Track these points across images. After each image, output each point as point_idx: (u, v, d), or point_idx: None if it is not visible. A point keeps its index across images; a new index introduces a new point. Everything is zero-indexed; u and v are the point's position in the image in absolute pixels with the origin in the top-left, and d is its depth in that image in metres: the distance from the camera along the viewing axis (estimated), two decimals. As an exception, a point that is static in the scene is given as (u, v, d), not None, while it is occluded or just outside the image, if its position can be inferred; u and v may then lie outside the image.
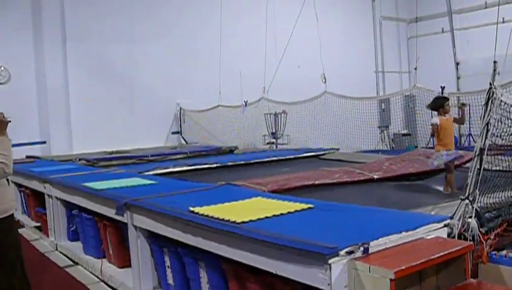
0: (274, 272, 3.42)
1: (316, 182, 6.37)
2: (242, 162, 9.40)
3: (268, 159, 9.74)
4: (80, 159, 11.01)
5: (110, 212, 5.70)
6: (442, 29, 19.89)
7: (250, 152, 11.50)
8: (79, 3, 14.23)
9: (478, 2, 18.43)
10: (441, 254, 3.13)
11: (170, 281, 4.92)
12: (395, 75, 21.32)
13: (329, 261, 2.96)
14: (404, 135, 20.98)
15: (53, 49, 13.95)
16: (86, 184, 6.61)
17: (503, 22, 18.25)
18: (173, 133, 16.00)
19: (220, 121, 15.09)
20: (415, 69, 13.15)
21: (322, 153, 10.57)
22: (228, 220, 3.96)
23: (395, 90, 20.58)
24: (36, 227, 8.66)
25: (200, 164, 8.97)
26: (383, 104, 20.52)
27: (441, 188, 6.55)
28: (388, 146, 21.18)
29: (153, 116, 15.31)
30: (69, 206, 7.37)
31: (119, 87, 15.01)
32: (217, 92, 14.90)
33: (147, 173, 8.03)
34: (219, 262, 4.16)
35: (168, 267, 4.90)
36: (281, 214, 4.15)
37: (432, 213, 4.42)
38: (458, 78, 19.59)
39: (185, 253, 4.55)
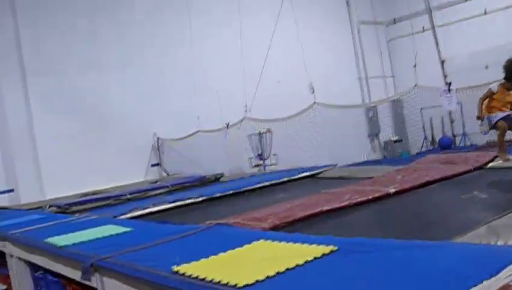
0: None
1: (325, 209, 5.29)
2: (230, 191, 8.27)
3: (259, 185, 8.62)
4: (50, 206, 9.92)
5: (76, 274, 4.59)
6: (423, 27, 19.10)
7: (238, 178, 10.40)
8: (37, 34, 13.10)
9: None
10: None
11: None
12: (379, 80, 20.46)
13: None
14: (395, 141, 20.16)
15: (12, 86, 12.77)
16: (49, 239, 5.50)
17: (485, 14, 17.60)
18: (153, 165, 14.87)
19: (201, 147, 14.02)
20: (414, 66, 12.23)
21: (318, 171, 9.50)
22: (226, 284, 2.88)
23: (380, 96, 19.81)
24: (5, 291, 7.47)
25: (182, 199, 7.82)
26: (370, 112, 19.70)
27: (477, 192, 5.46)
28: (380, 154, 20.36)
29: (129, 148, 14.16)
30: (33, 266, 6.23)
31: (90, 120, 13.87)
32: (195, 116, 13.85)
33: (122, 217, 6.91)
34: None
35: None
36: (297, 266, 3.06)
37: (495, 239, 3.31)
38: (445, 76, 18.76)
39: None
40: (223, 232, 4.55)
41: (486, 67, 16.55)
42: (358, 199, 5.56)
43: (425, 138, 19.52)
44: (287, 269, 3.00)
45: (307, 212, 5.16)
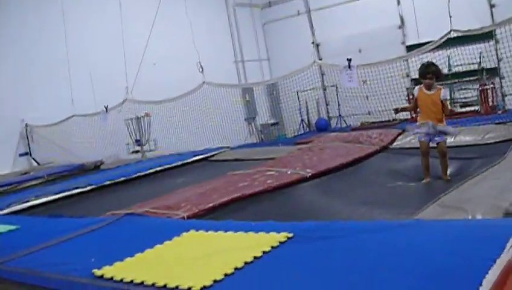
0: None
1: (246, 193, 4.81)
2: (122, 178, 7.51)
3: (151, 171, 7.95)
4: None
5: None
6: (298, 11, 19.14)
7: (124, 165, 9.60)
8: None
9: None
10: None
11: None
12: (255, 64, 20.27)
13: None
14: (272, 124, 20.16)
15: None
16: None
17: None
18: (21, 155, 13.44)
19: (77, 134, 12.91)
20: (314, 43, 11.95)
21: (211, 154, 9.01)
22: (176, 288, 2.34)
23: (256, 79, 19.64)
24: None
25: (69, 189, 6.93)
26: (247, 95, 19.49)
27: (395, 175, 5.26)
28: (257, 138, 20.27)
29: (-8, 138, 12.67)
30: None
31: None
32: (70, 101, 12.71)
33: (0, 213, 5.93)
34: None
35: None
36: (255, 258, 2.58)
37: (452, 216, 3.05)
38: (320, 59, 19.01)
39: None
40: (137, 224, 3.95)
41: (360, 51, 16.90)
42: (276, 183, 5.15)
43: (302, 120, 19.69)
44: (246, 263, 2.52)
45: (227, 198, 4.66)
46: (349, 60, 9.77)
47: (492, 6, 14.62)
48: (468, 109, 14.58)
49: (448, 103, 5.72)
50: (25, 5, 13.36)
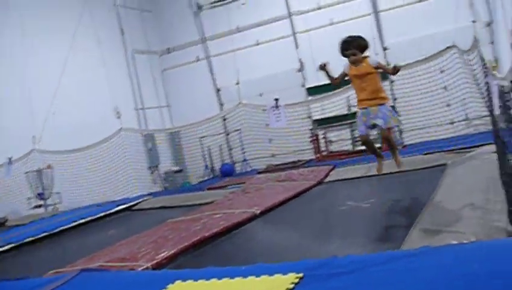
0: None
1: (206, 234, 4.62)
2: (43, 234, 6.97)
3: (75, 224, 7.46)
4: None
5: None
6: (197, 57, 19.23)
7: (40, 219, 8.94)
8: None
9: (224, 28, 18.12)
10: None
11: None
12: (156, 111, 19.99)
13: None
14: (175, 172, 19.86)
15: None
16: None
17: (258, 44, 18.37)
18: None
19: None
20: (237, 83, 11.87)
21: (134, 203, 8.65)
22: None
23: (157, 126, 19.41)
24: None
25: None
26: (149, 143, 19.15)
27: (351, 202, 5.26)
28: (161, 186, 19.86)
29: None
30: None
31: None
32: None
33: None
34: None
35: None
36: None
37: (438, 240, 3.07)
38: (221, 104, 19.16)
39: None
40: (102, 281, 3.61)
41: (261, 94, 17.20)
42: (229, 223, 5.00)
43: (206, 166, 19.57)
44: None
45: (187, 243, 4.43)
46: (277, 100, 9.84)
47: (385, 49, 15.52)
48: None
49: (384, 63, 5.32)
50: None
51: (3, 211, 12.06)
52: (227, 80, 18.90)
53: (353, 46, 5.09)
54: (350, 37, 5.29)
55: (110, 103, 12.48)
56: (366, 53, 5.25)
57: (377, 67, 5.09)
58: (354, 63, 5.11)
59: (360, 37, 5.21)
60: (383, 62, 4.93)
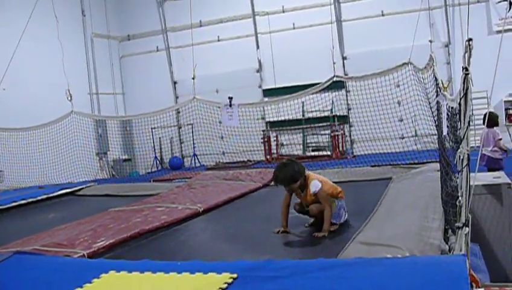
0: None
1: (146, 227, 4.57)
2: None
3: (14, 204, 7.25)
4: None
5: None
6: (157, 47, 19.05)
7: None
8: None
9: (187, 20, 18.08)
10: None
11: None
12: (110, 97, 19.68)
13: None
14: (125, 160, 19.60)
15: None
16: None
17: (218, 41, 18.31)
18: None
19: None
20: (193, 78, 11.68)
21: (78, 188, 8.49)
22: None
23: (109, 113, 19.11)
24: None
25: None
26: (99, 129, 18.84)
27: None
28: (108, 174, 19.58)
29: None
30: None
31: None
32: None
33: None
34: None
35: None
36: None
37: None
38: (177, 97, 19.04)
39: None
40: (35, 264, 3.54)
41: (217, 91, 17.19)
42: (171, 219, 4.96)
43: (156, 157, 19.38)
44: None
45: (126, 235, 4.37)
46: (231, 98, 9.82)
47: (344, 58, 15.74)
48: (320, 153, 15.40)
49: (325, 194, 4.39)
50: None
51: None
52: (184, 73, 18.75)
53: (280, 181, 4.50)
54: (278, 168, 4.59)
55: (63, 85, 12.15)
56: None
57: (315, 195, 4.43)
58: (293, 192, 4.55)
59: (286, 166, 4.50)
60: (325, 187, 4.07)
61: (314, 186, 4.38)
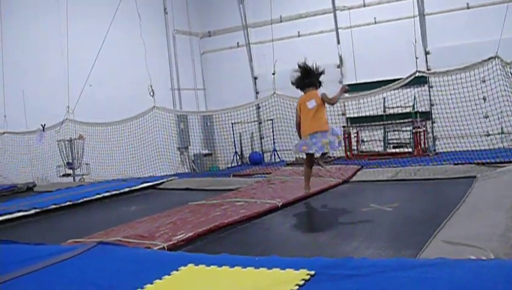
0: None
1: (225, 221, 4.62)
2: (67, 203, 7.05)
3: (99, 196, 7.52)
4: None
5: None
6: (238, 43, 19.21)
7: (66, 188, 9.02)
8: None
9: (267, 16, 18.12)
10: None
11: None
12: (191, 93, 20.06)
13: None
14: (205, 155, 19.88)
15: None
16: None
17: (299, 36, 18.27)
18: None
19: (5, 152, 12.17)
20: (273, 74, 11.81)
21: (160, 182, 8.70)
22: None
23: (191, 108, 19.44)
24: None
25: (10, 212, 6.39)
26: (181, 124, 19.20)
27: (374, 204, 5.20)
28: (189, 168, 19.94)
29: None
30: None
31: None
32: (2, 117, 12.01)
33: None
34: None
35: None
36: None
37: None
38: (257, 92, 19.12)
39: None
40: (117, 255, 3.63)
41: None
42: (250, 213, 4.97)
43: (236, 152, 19.55)
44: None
45: (205, 228, 4.42)
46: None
47: (427, 53, 15.28)
48: (401, 150, 15.06)
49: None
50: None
51: (33, 176, 12.28)
52: (265, 69, 18.80)
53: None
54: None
55: (146, 80, 12.49)
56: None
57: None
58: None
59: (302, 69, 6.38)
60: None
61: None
